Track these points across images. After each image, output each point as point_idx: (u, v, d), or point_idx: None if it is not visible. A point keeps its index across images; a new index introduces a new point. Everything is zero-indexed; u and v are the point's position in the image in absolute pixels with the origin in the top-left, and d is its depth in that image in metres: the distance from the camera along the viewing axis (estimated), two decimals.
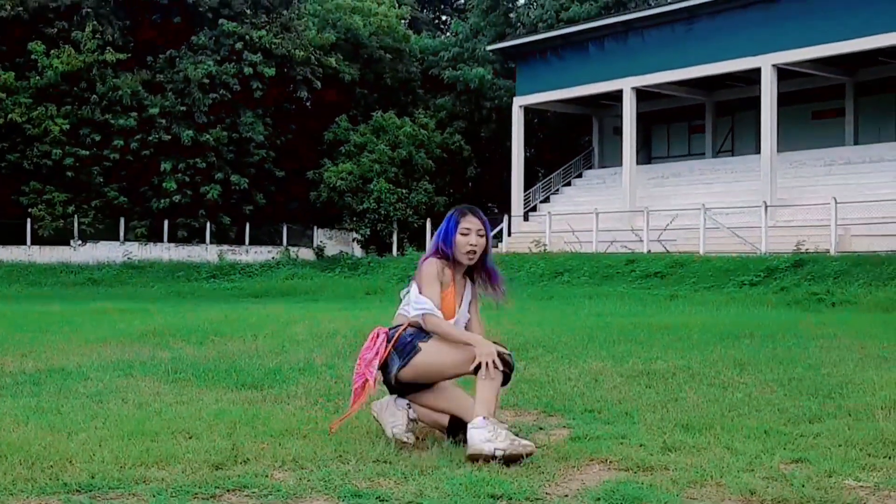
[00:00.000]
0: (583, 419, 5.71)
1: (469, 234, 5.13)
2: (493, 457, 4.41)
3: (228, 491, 3.93)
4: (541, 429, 5.42)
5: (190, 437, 4.94)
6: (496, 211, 45.36)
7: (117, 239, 38.49)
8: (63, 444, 4.66)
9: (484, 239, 5.19)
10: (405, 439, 4.84)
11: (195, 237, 40.01)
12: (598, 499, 3.81)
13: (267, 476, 4.14)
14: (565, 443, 4.91)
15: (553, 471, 4.28)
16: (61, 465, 4.25)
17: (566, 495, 3.90)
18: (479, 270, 5.30)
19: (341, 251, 42.11)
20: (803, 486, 3.94)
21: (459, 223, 5.17)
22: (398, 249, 40.55)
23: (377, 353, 5.02)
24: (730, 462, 4.38)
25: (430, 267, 5.10)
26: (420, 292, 5.05)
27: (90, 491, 3.91)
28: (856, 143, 35.53)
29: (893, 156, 32.28)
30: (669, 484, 4.01)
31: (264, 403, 6.28)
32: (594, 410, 6.01)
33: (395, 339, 5.00)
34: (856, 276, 23.74)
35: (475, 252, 5.15)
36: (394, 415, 4.98)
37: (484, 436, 4.48)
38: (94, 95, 37.63)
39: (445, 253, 5.16)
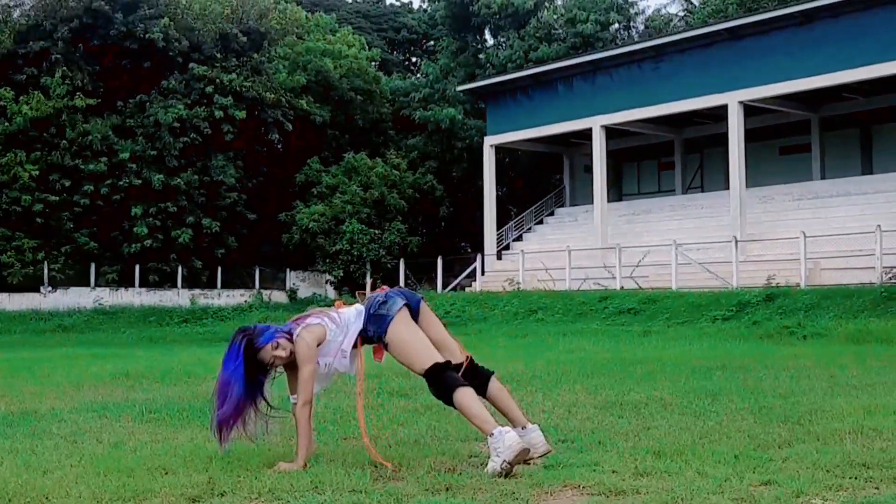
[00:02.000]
0: (557, 448, 5.76)
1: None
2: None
3: None
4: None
5: (166, 473, 4.96)
6: (469, 250, 45.54)
7: (88, 284, 38.18)
8: (39, 481, 4.67)
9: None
10: None
11: (167, 281, 39.76)
12: None
13: None
14: (539, 470, 4.97)
15: (527, 497, 4.34)
16: (38, 502, 4.26)
17: None
18: None
19: (314, 293, 42.01)
20: None
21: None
22: (371, 290, 40.45)
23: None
24: (700, 485, 4.45)
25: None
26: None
27: None
28: (823, 177, 35.97)
29: (860, 189, 32.72)
30: None
31: (239, 441, 6.28)
32: (568, 440, 6.07)
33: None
34: (826, 309, 23.95)
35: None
36: None
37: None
38: (64, 141, 37.48)
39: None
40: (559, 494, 4.45)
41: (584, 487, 4.55)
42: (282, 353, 5.52)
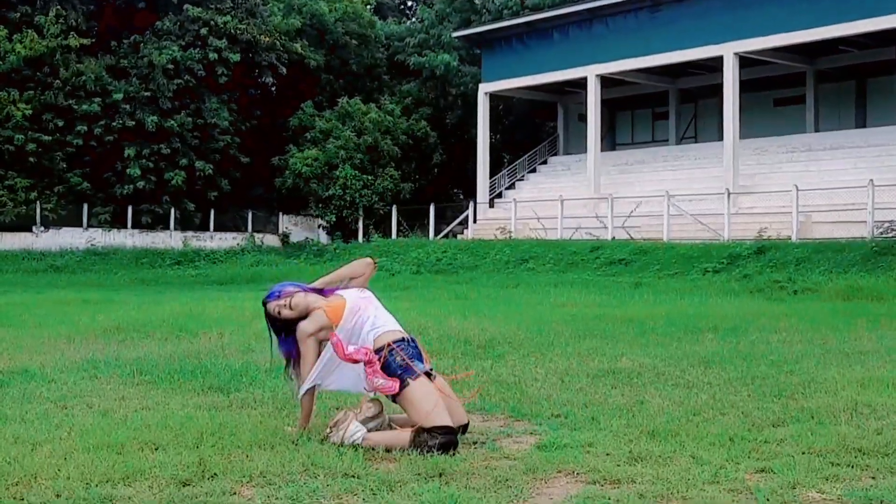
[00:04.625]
0: (549, 425, 5.73)
1: None
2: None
3: None
4: (508, 435, 5.44)
5: (156, 449, 4.91)
6: (462, 197, 45.43)
7: (80, 225, 38.08)
8: (28, 457, 4.62)
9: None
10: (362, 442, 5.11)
11: (159, 223, 39.70)
12: None
13: (235, 493, 4.13)
14: (532, 452, 4.94)
15: (521, 485, 4.30)
16: (26, 483, 4.22)
17: None
18: None
19: (307, 238, 41.95)
20: (768, 499, 3.99)
21: None
22: (364, 236, 40.47)
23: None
24: (695, 473, 4.42)
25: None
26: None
27: None
28: (816, 130, 35.88)
29: (853, 143, 32.63)
30: (636, 499, 4.04)
31: (231, 409, 6.25)
32: (560, 415, 6.03)
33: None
34: (817, 263, 23.98)
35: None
36: (357, 430, 5.15)
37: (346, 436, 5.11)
38: (58, 81, 37.13)
39: None
40: (553, 482, 4.42)
41: (578, 474, 4.52)
42: (287, 312, 5.50)
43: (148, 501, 3.98)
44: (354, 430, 5.17)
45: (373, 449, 5.00)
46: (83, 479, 4.28)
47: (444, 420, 5.05)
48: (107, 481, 4.26)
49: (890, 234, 24.85)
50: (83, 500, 3.99)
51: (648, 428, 5.53)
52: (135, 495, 4.09)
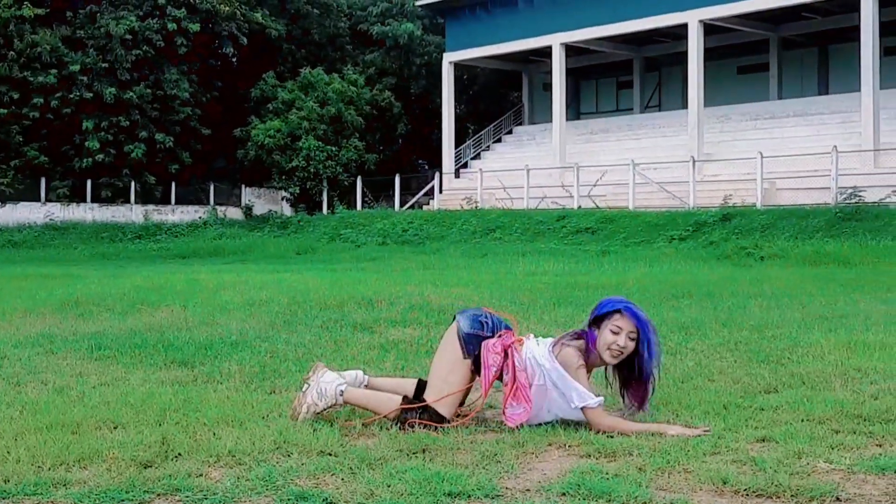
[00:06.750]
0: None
1: (620, 333, 4.79)
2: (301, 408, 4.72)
3: (158, 495, 3.56)
4: (491, 406, 5.15)
5: (116, 428, 4.57)
6: (427, 168, 45.06)
7: (38, 200, 37.44)
8: None
9: (634, 343, 4.80)
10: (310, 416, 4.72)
11: (119, 197, 39.08)
12: (564, 493, 3.54)
13: (201, 475, 3.78)
14: (520, 427, 4.65)
15: (510, 460, 4.01)
16: None
17: (528, 489, 3.62)
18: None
19: (270, 210, 41.44)
20: (775, 471, 3.73)
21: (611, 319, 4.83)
22: (328, 207, 40.00)
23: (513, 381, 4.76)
24: (695, 444, 4.16)
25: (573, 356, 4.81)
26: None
27: (3, 499, 3.53)
28: (780, 97, 35.87)
29: (816, 110, 32.64)
30: (636, 473, 3.77)
31: (196, 384, 5.90)
32: None
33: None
34: (782, 230, 23.97)
35: (621, 354, 4.81)
36: (325, 400, 4.75)
37: (321, 387, 4.76)
38: (12, 52, 36.32)
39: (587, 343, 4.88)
40: (544, 456, 4.13)
41: (570, 447, 4.24)
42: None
43: (105, 485, 3.63)
44: (331, 378, 4.80)
45: (348, 420, 4.68)
46: (34, 461, 3.93)
47: (448, 411, 4.74)
48: (60, 464, 3.91)
49: (853, 200, 24.89)
50: (33, 485, 3.63)
51: None
52: (91, 479, 3.74)
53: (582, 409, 4.59)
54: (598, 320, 4.88)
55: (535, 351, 4.80)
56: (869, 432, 4.39)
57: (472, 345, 4.82)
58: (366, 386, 5.01)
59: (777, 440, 4.24)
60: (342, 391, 4.77)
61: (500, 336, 4.85)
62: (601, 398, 4.64)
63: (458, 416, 4.79)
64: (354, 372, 5.08)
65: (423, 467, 3.83)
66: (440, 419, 4.66)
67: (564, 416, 4.69)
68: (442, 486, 3.56)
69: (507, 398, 4.68)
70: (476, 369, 4.81)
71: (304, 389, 4.80)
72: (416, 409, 4.66)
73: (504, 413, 4.67)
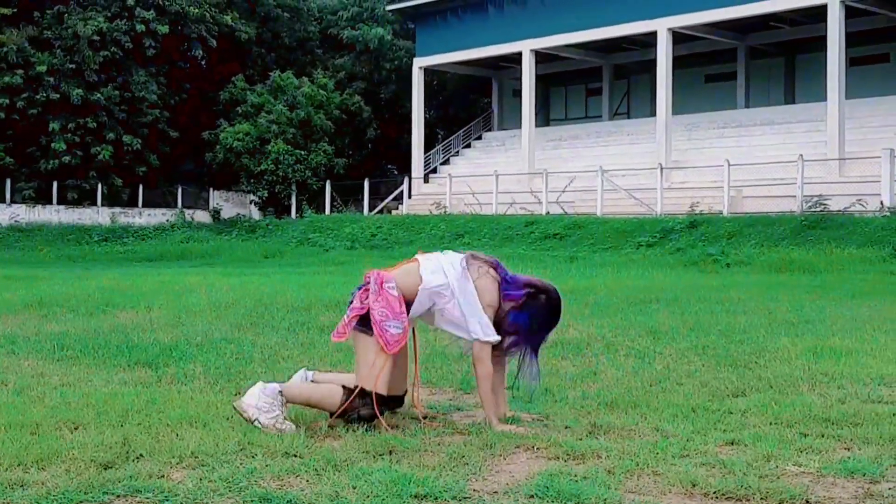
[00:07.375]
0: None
1: None
2: (250, 421, 4.48)
3: (119, 497, 3.48)
4: (459, 409, 5.11)
5: (76, 428, 4.48)
6: (396, 173, 44.98)
7: (3, 201, 37.02)
8: None
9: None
10: (286, 428, 4.50)
11: (86, 199, 38.69)
12: (532, 496, 3.50)
13: (163, 476, 3.71)
14: (486, 426, 4.61)
15: (478, 462, 3.97)
16: None
17: (495, 492, 3.58)
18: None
19: (238, 214, 41.20)
20: (745, 474, 3.71)
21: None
22: (297, 212, 39.81)
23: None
24: (663, 446, 4.14)
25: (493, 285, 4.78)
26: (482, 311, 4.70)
27: None
28: (747, 106, 36.11)
29: (783, 118, 32.89)
30: (605, 475, 3.73)
31: (160, 385, 5.83)
32: (511, 387, 5.71)
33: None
34: (748, 237, 24.13)
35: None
36: (271, 408, 4.55)
37: (259, 402, 4.49)
38: None
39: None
40: (512, 458, 4.09)
41: (538, 449, 4.20)
42: None
43: (64, 487, 3.55)
44: (258, 389, 4.59)
45: (314, 421, 4.62)
46: None
47: (385, 388, 4.64)
48: (18, 465, 3.82)
49: (818, 209, 25.09)
50: None
51: (606, 399, 5.25)
52: (49, 479, 3.65)
53: (477, 339, 4.65)
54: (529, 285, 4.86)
55: (442, 259, 4.81)
56: (837, 436, 4.39)
57: (360, 323, 4.73)
58: (312, 381, 4.91)
59: (746, 443, 4.23)
60: (280, 391, 4.62)
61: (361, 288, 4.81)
62: (498, 337, 4.70)
63: (425, 417, 4.74)
64: (298, 374, 4.99)
65: (389, 469, 3.78)
66: (383, 400, 4.61)
67: (450, 330, 4.78)
68: (409, 488, 3.51)
69: (382, 320, 4.62)
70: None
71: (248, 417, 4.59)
72: (358, 397, 4.58)
73: (383, 337, 4.62)
